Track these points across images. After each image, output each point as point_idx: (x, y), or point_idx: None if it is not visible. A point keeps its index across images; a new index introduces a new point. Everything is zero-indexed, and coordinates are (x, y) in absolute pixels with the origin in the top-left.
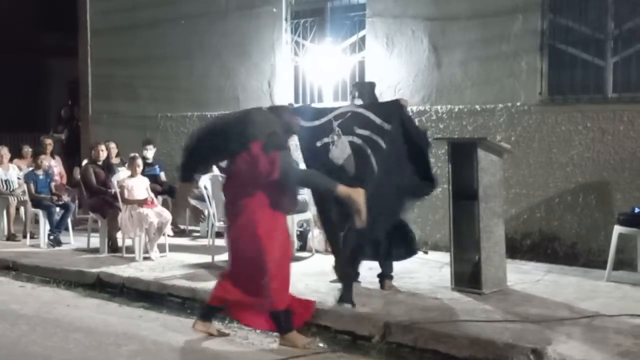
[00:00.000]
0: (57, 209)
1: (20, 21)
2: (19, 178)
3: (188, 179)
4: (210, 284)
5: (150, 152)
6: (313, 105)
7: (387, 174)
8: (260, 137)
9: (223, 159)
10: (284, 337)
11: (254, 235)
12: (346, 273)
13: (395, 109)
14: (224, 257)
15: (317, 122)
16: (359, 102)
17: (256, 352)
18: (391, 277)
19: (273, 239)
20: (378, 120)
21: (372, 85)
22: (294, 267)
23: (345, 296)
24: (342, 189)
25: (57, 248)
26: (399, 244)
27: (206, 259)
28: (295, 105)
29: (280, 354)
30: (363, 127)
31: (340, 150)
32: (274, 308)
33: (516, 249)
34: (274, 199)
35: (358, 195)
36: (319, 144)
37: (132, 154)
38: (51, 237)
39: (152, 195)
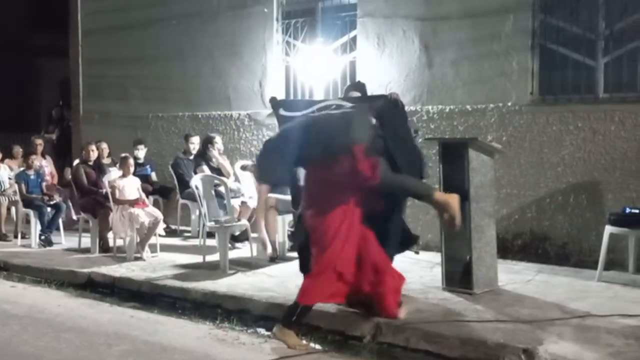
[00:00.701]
0: (48, 209)
1: (12, 21)
2: (10, 178)
3: (266, 180)
4: (201, 284)
5: (141, 152)
6: (299, 98)
7: None
8: (362, 141)
9: (314, 161)
10: (281, 330)
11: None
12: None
13: (380, 103)
14: (215, 257)
15: (299, 113)
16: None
17: (247, 352)
18: None
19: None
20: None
21: (364, 85)
22: (286, 267)
23: None
24: (438, 195)
25: (48, 248)
26: (391, 238)
27: (197, 259)
28: (279, 99)
29: (272, 354)
30: None
31: None
32: (299, 300)
33: (507, 249)
34: (365, 202)
35: (454, 201)
36: None
37: (124, 154)
38: (42, 237)
39: (144, 195)
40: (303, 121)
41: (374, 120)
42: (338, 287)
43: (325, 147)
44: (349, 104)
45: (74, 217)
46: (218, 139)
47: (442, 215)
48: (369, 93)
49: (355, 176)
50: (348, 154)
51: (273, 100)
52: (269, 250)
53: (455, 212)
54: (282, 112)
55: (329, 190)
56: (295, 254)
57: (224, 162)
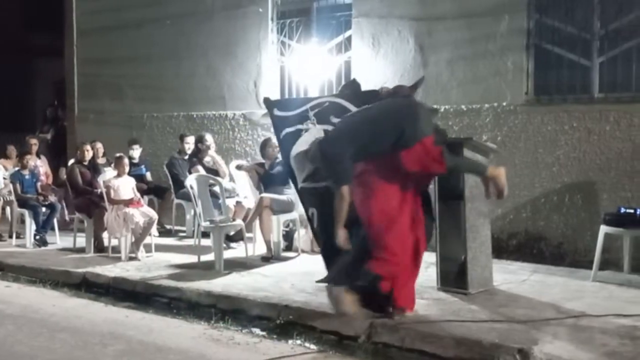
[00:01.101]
0: (43, 209)
1: (10, 21)
2: (4, 178)
3: (348, 181)
4: (196, 284)
5: (136, 152)
6: (293, 97)
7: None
8: (430, 132)
9: (382, 153)
10: (347, 292)
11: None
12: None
13: (373, 98)
14: (210, 257)
15: (292, 113)
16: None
17: (242, 352)
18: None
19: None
20: (355, 110)
21: (358, 84)
22: (280, 267)
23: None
24: (491, 170)
25: (42, 248)
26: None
27: (192, 259)
28: (273, 99)
29: (266, 354)
30: (339, 116)
31: (314, 135)
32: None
33: (502, 249)
34: (424, 190)
35: (503, 174)
36: (291, 129)
37: (118, 154)
38: (37, 237)
39: (138, 195)
40: (365, 115)
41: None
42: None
43: (397, 140)
44: (342, 101)
45: (67, 217)
46: (208, 137)
47: (488, 187)
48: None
49: (427, 165)
50: (419, 145)
51: (267, 100)
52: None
53: (504, 185)
54: (276, 112)
55: (395, 181)
56: (290, 254)
57: (221, 162)
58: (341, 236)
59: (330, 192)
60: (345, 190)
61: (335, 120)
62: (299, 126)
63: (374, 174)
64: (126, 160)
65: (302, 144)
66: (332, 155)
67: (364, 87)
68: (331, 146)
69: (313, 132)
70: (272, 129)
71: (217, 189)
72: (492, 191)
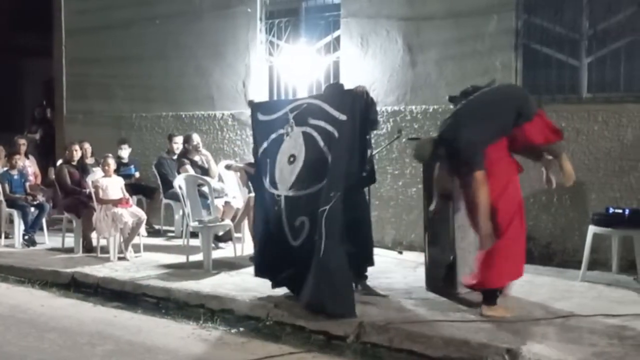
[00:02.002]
0: (32, 209)
1: None
2: None
3: (483, 165)
4: (184, 284)
5: (125, 152)
6: (275, 99)
7: (339, 164)
8: (540, 106)
9: (506, 132)
10: (490, 309)
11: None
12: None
13: (350, 98)
14: (199, 257)
15: (274, 116)
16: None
17: (231, 352)
18: (365, 277)
19: None
20: (332, 111)
21: (341, 85)
22: None
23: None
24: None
25: (31, 248)
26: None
27: (181, 259)
28: (256, 102)
29: (255, 354)
30: (317, 117)
31: (294, 140)
32: (497, 285)
33: None
34: None
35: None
36: (274, 135)
37: (106, 154)
38: (26, 237)
39: (127, 195)
40: (481, 100)
41: (343, 117)
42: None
43: (517, 116)
44: (320, 102)
45: (51, 215)
46: (195, 137)
47: (549, 173)
48: None
49: (548, 135)
50: (538, 117)
51: (251, 103)
52: None
53: (571, 171)
54: (260, 117)
55: (509, 165)
56: None
57: (212, 162)
58: (487, 228)
59: (320, 197)
60: (482, 176)
61: (312, 121)
62: (281, 131)
63: (500, 161)
64: (110, 160)
65: (286, 152)
66: (466, 140)
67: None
68: (465, 131)
69: (294, 137)
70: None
71: (205, 189)
72: (551, 178)
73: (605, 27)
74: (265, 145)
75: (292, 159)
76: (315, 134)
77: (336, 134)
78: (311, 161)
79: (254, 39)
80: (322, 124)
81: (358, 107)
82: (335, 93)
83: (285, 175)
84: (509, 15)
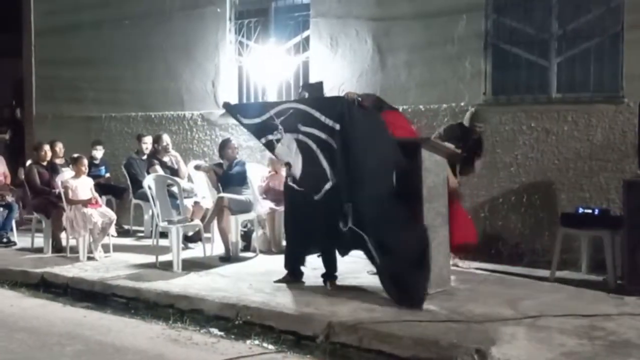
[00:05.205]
0: (1, 209)
1: None
2: None
3: None
4: (154, 284)
5: (99, 153)
6: (252, 102)
7: (350, 177)
8: None
9: None
10: None
11: None
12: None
13: (342, 106)
14: (168, 257)
15: (258, 120)
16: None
17: (200, 352)
18: (335, 277)
19: None
20: (323, 118)
21: (320, 84)
22: (238, 267)
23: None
24: None
25: (7, 248)
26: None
27: (150, 259)
28: (233, 103)
29: (224, 354)
30: (307, 124)
31: (287, 147)
32: None
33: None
34: None
35: None
36: (263, 140)
37: (77, 154)
38: (4, 240)
39: (97, 195)
40: None
41: (337, 126)
42: None
43: None
44: (306, 107)
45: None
46: (165, 137)
47: None
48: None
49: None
50: None
51: (227, 105)
52: None
53: None
54: (242, 119)
55: None
56: (248, 254)
57: (181, 162)
58: None
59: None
60: None
61: (303, 128)
62: (270, 136)
63: None
64: (85, 161)
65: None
66: None
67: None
68: None
69: (285, 144)
70: (234, 133)
71: (175, 189)
72: None
73: (574, 27)
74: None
75: (287, 167)
76: (310, 142)
77: (333, 144)
78: (309, 171)
79: (223, 39)
80: (315, 131)
81: (353, 115)
82: (323, 98)
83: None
84: (478, 15)
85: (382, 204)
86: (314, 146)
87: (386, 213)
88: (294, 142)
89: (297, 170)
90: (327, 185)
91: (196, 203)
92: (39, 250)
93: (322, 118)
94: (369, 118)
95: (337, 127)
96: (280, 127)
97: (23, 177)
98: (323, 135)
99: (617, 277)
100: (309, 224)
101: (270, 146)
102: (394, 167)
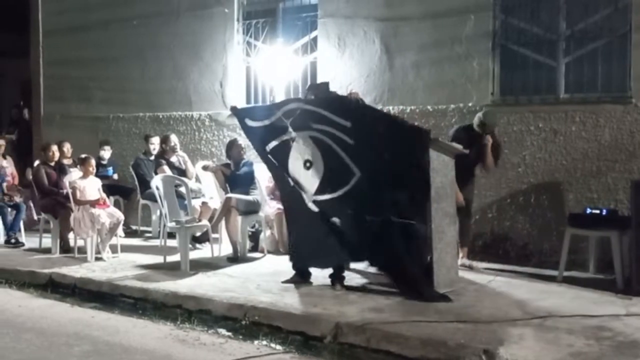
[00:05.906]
0: (9, 209)
1: None
2: None
3: None
4: (162, 285)
5: (107, 153)
6: (258, 104)
7: (375, 173)
8: None
9: None
10: None
11: None
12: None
13: (350, 105)
14: (176, 257)
15: (267, 122)
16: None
17: (208, 353)
18: (343, 278)
19: None
20: (336, 118)
21: (326, 85)
22: (246, 267)
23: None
24: None
25: (9, 249)
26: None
27: (158, 259)
28: (239, 107)
29: (232, 355)
30: (319, 122)
31: (303, 146)
32: None
33: (468, 250)
34: None
35: None
36: (276, 142)
37: (85, 155)
38: (12, 241)
39: (104, 195)
40: None
41: (348, 124)
42: None
43: None
44: (313, 107)
45: (35, 217)
46: (173, 138)
47: None
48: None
49: None
50: None
51: (235, 109)
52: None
53: None
54: (249, 123)
55: None
56: (255, 255)
57: (189, 163)
58: None
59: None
60: None
61: (316, 126)
62: (284, 137)
63: None
64: (93, 161)
65: (298, 157)
66: None
67: (330, 88)
68: None
69: (301, 142)
70: (242, 133)
71: (183, 189)
72: None
73: (582, 27)
74: (268, 149)
75: (308, 164)
76: (326, 139)
77: (349, 141)
78: (333, 166)
79: (231, 40)
80: (329, 129)
81: (362, 112)
82: (330, 98)
83: (306, 181)
84: (486, 16)
85: (399, 200)
86: (330, 141)
87: (399, 208)
88: (310, 139)
89: (319, 166)
90: (354, 179)
91: (204, 203)
92: (47, 250)
93: (332, 116)
94: (374, 113)
95: (348, 124)
96: (290, 127)
97: (31, 177)
98: (337, 132)
99: (625, 278)
100: (313, 235)
101: (285, 146)
102: (410, 159)
